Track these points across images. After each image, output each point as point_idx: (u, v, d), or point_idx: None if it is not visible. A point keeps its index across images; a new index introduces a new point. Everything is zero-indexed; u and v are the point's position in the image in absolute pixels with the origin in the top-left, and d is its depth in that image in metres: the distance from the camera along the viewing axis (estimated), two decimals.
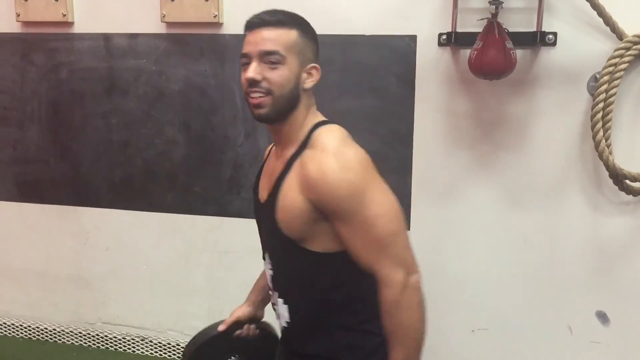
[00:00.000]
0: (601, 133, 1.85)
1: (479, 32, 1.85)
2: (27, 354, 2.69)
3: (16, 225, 2.68)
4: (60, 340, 2.77)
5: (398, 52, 2.10)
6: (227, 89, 2.31)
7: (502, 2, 1.84)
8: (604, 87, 1.84)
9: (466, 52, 1.96)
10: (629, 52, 1.83)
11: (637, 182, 1.90)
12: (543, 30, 1.90)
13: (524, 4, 1.94)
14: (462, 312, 2.23)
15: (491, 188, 2.11)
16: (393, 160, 2.17)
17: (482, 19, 1.87)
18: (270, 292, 1.37)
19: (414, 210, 2.19)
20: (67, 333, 2.75)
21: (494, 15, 1.85)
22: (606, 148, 1.86)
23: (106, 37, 2.39)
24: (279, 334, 1.41)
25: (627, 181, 1.91)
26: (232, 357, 1.47)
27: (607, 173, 1.93)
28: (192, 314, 2.55)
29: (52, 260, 2.69)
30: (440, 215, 2.18)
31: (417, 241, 2.19)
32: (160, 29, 2.32)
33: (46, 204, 2.62)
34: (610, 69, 1.83)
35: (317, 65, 1.26)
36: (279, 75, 1.20)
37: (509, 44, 1.82)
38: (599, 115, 1.85)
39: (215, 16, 2.22)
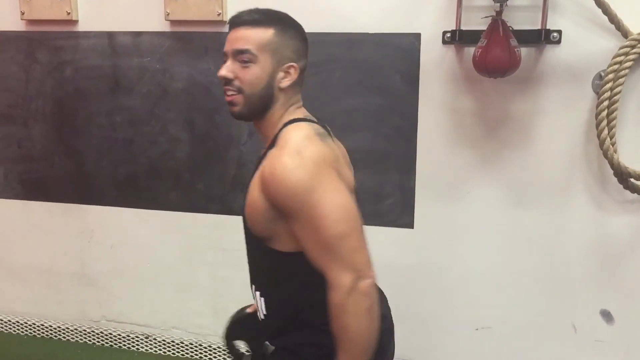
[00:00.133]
0: (606, 131, 1.85)
1: (483, 30, 1.85)
2: (32, 352, 2.70)
3: (21, 223, 2.69)
4: (64, 337, 2.77)
5: (402, 50, 2.10)
6: None
7: (507, 0, 1.83)
8: (609, 85, 1.83)
9: (470, 50, 1.95)
10: (634, 50, 1.82)
11: None
12: (548, 28, 1.90)
13: (529, 2, 1.93)
14: (466, 310, 2.23)
15: (495, 186, 2.11)
16: (397, 158, 2.16)
17: (486, 17, 1.86)
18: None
19: (417, 208, 2.19)
20: (72, 331, 2.76)
21: (499, 13, 1.84)
22: (611, 146, 1.85)
23: (110, 35, 2.39)
24: None
25: (632, 179, 1.91)
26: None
27: (611, 171, 1.92)
28: (197, 312, 2.56)
29: (56, 257, 2.69)
30: (444, 214, 2.18)
31: (420, 239, 2.22)
32: (164, 27, 2.32)
33: (51, 201, 2.62)
34: (615, 67, 1.83)
35: (295, 64, 1.25)
36: (249, 74, 1.21)
37: (514, 42, 1.81)
38: (604, 113, 1.84)
39: (219, 14, 2.21)
